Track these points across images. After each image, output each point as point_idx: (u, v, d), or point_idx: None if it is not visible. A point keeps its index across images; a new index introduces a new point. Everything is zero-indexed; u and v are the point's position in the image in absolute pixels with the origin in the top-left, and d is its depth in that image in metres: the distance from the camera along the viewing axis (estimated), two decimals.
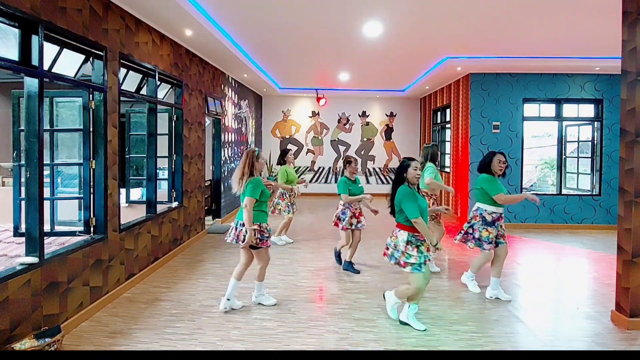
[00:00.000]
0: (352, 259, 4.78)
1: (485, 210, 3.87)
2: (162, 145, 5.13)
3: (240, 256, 3.64)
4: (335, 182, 11.06)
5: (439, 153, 4.68)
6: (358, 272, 4.69)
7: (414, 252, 3.12)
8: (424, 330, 3.26)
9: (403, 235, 3.17)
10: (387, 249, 3.31)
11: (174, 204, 5.35)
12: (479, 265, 4.07)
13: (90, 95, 3.54)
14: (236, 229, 3.51)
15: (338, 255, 4.99)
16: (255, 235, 3.41)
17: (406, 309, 3.36)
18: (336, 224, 4.66)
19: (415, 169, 3.18)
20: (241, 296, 3.90)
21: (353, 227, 4.65)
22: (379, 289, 4.11)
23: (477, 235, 3.89)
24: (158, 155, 4.88)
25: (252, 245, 3.46)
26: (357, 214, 4.67)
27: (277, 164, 6.02)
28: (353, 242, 4.72)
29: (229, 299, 3.56)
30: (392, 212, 3.33)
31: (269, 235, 3.56)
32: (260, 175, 3.58)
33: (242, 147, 9.24)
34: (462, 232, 4.01)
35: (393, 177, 3.37)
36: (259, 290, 3.75)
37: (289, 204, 5.80)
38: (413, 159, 3.25)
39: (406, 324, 3.33)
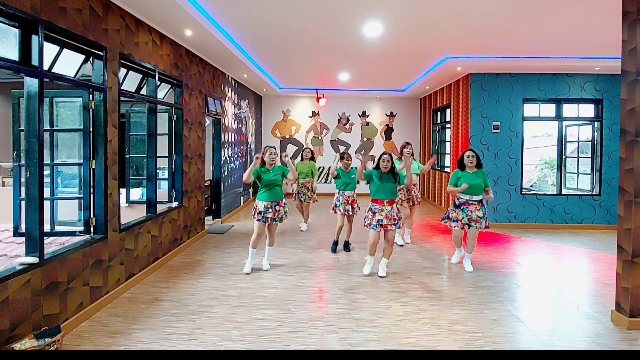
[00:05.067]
0: (349, 238, 5.72)
1: (457, 196, 4.79)
2: (162, 145, 5.13)
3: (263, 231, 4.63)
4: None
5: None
6: (350, 250, 5.61)
7: (370, 215, 4.43)
8: (368, 274, 4.49)
9: (369, 204, 4.51)
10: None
11: (174, 204, 5.35)
12: (455, 241, 4.95)
13: (90, 95, 3.54)
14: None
15: (335, 244, 5.66)
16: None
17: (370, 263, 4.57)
18: (334, 211, 5.50)
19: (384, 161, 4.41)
20: (241, 296, 3.91)
21: (349, 213, 5.42)
22: (379, 290, 4.11)
23: (450, 216, 4.77)
24: (158, 155, 4.88)
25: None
26: (350, 201, 5.42)
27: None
28: (347, 227, 5.60)
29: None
30: None
31: (260, 212, 4.50)
32: (269, 166, 4.56)
33: (242, 147, 9.24)
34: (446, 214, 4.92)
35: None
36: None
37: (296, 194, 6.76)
38: (386, 154, 4.44)
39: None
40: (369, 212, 4.44)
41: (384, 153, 4.45)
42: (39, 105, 2.84)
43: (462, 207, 4.68)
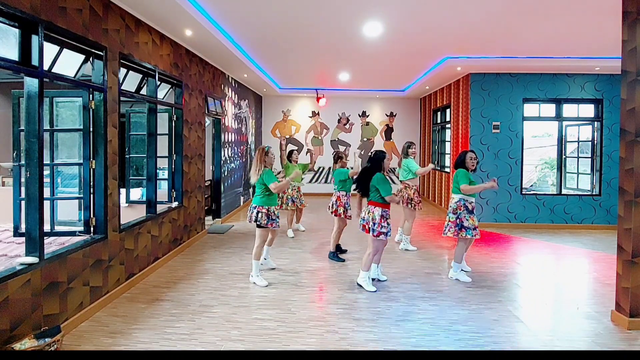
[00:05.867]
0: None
1: (467, 200, 4.37)
2: (162, 145, 5.13)
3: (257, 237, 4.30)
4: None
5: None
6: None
7: (385, 224, 3.96)
8: (375, 291, 4.05)
9: (378, 211, 3.97)
10: (367, 224, 4.05)
11: (174, 204, 5.35)
12: (462, 254, 4.48)
13: (90, 95, 3.54)
14: (250, 211, 4.27)
15: (339, 250, 5.43)
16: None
17: (364, 274, 4.14)
18: (346, 216, 5.15)
19: (390, 160, 4.12)
20: (241, 296, 3.91)
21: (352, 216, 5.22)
22: (379, 290, 4.11)
23: (465, 224, 4.33)
24: (158, 155, 4.88)
25: (258, 224, 4.18)
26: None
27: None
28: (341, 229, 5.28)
29: (258, 276, 4.29)
30: (363, 193, 4.13)
31: (275, 219, 4.24)
32: (271, 167, 4.24)
33: (242, 147, 9.24)
34: (451, 224, 4.40)
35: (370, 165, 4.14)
36: (256, 268, 4.31)
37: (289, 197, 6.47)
38: (385, 152, 4.13)
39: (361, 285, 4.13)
40: (382, 219, 3.96)
41: (383, 153, 4.15)
42: (39, 105, 2.84)
43: (473, 212, 4.38)
